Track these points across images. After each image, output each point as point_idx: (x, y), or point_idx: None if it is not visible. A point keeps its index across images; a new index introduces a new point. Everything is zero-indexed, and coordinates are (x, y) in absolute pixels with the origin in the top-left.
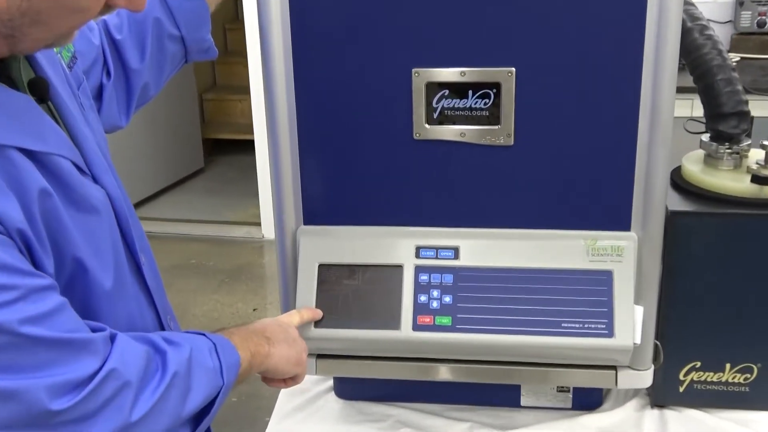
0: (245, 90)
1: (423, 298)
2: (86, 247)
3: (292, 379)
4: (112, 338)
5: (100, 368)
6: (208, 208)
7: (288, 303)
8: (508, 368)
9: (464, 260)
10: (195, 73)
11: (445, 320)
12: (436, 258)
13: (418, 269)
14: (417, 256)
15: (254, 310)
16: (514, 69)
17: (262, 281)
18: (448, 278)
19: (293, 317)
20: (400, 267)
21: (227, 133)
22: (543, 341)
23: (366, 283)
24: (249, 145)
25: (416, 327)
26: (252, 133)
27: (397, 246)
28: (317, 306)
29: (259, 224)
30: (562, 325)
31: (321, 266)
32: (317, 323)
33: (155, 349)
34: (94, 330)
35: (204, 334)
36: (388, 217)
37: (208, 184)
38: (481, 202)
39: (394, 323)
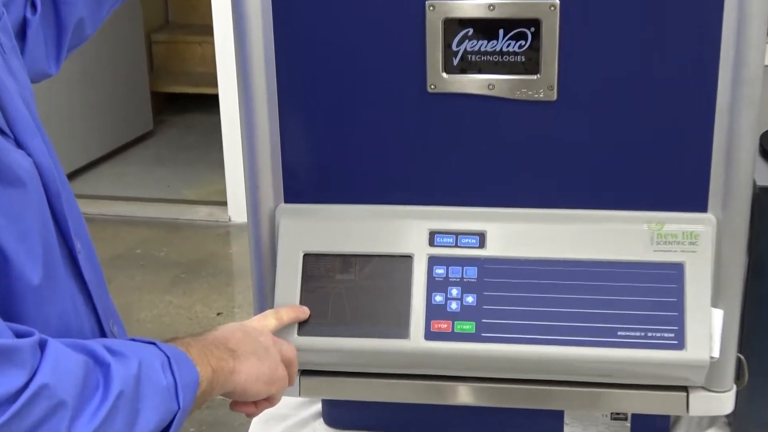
0: (207, 30)
1: (439, 297)
2: (8, 229)
3: (266, 401)
4: (42, 346)
5: (28, 383)
6: (159, 183)
7: (263, 305)
8: (548, 389)
9: (492, 249)
10: (142, 8)
11: (467, 326)
12: (456, 246)
13: (433, 261)
14: (431, 243)
15: (218, 314)
16: (557, 1)
17: (229, 277)
18: (471, 272)
19: (267, 320)
20: (408, 258)
21: (183, 86)
22: (593, 354)
23: (365, 278)
24: (211, 102)
25: (429, 335)
26: (215, 85)
27: (405, 230)
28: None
29: (224, 204)
30: (618, 333)
31: (307, 257)
32: (301, 329)
33: (96, 361)
34: (19, 335)
35: (155, 344)
36: (394, 194)
37: (159, 151)
38: (513, 173)
39: (401, 330)
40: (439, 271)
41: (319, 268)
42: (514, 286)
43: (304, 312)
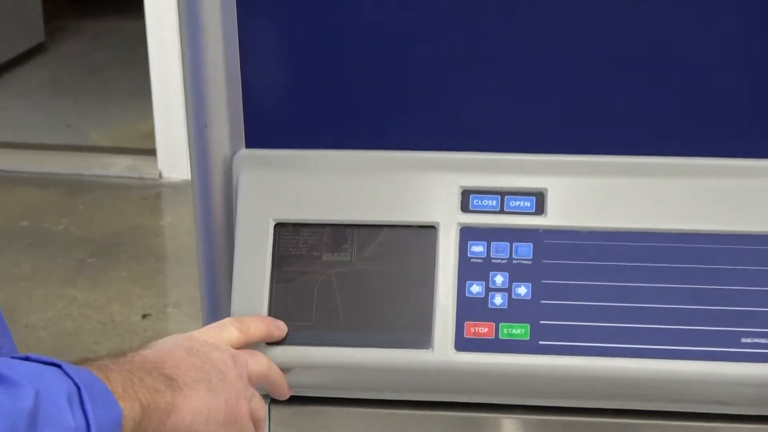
0: None
1: (476, 288)
2: None
3: None
4: None
5: None
6: (54, 121)
7: (215, 304)
8: (640, 422)
9: (555, 216)
10: None
11: (518, 330)
12: (501, 212)
13: (467, 234)
14: (464, 208)
15: (144, 317)
16: None
17: (161, 262)
18: (524, 250)
19: (226, 331)
20: (431, 229)
21: None
22: (706, 371)
23: (366, 260)
24: (131, 4)
25: (462, 344)
26: None
27: (425, 188)
28: (273, 307)
29: (152, 152)
30: (742, 341)
31: (280, 228)
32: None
33: None
34: None
35: (60, 367)
36: (407, 133)
37: (55, 74)
38: (585, 100)
39: (421, 337)
40: (477, 248)
41: (298, 246)
42: (587, 272)
43: (280, 329)
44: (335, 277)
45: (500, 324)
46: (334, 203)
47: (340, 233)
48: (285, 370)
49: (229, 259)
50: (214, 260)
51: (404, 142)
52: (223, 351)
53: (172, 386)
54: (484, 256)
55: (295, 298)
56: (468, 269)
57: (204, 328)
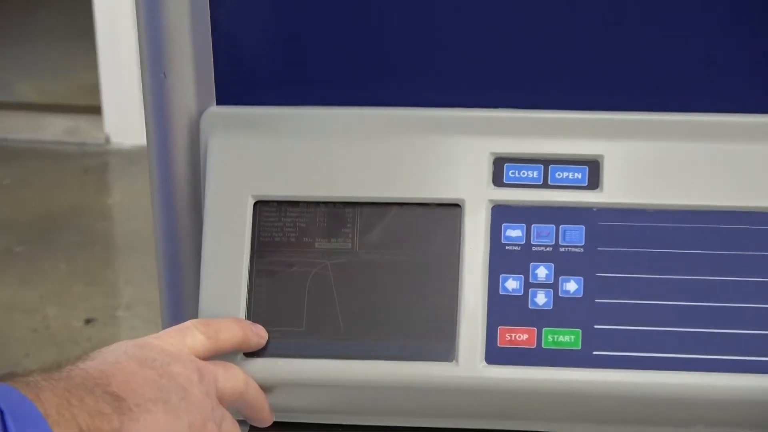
0: None
1: (512, 283)
2: None
3: None
4: None
5: None
6: None
7: (177, 305)
8: None
9: (612, 192)
10: None
11: (566, 338)
12: (545, 186)
13: (501, 213)
14: (497, 180)
15: (88, 322)
16: None
17: (109, 252)
18: (574, 235)
19: (191, 336)
20: (454, 208)
21: None
22: None
23: (371, 248)
24: None
25: (494, 355)
26: None
27: (446, 155)
28: (253, 308)
29: (97, 111)
30: None
31: (261, 207)
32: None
33: None
34: None
35: None
36: (420, 85)
37: None
38: (653, 43)
39: (442, 347)
40: (514, 232)
41: (284, 230)
42: (656, 262)
43: (259, 336)
44: (332, 270)
45: (543, 329)
46: (330, 175)
47: (337, 214)
48: (267, 388)
49: (196, 248)
50: (177, 249)
51: (418, 97)
52: (186, 362)
53: (120, 408)
54: (523, 242)
55: (280, 296)
56: (502, 259)
57: (162, 332)
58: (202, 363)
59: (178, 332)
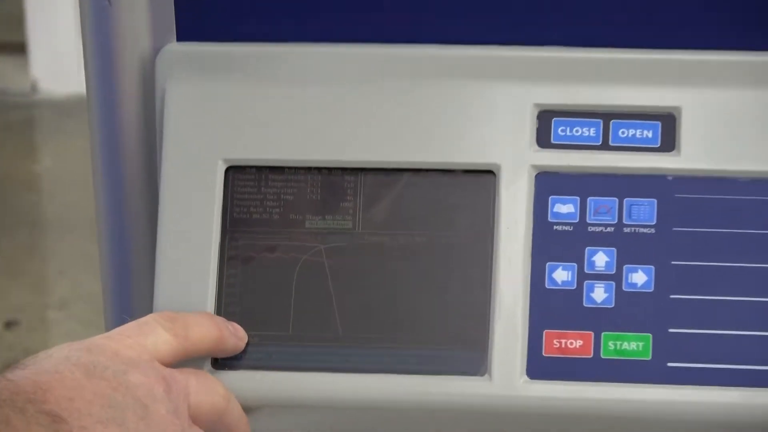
0: None
1: (562, 274)
2: None
3: None
4: None
5: None
6: None
7: (125, 301)
8: None
9: (692, 155)
10: None
11: (633, 345)
12: (604, 148)
13: (547, 184)
14: (542, 140)
15: (9, 325)
16: None
17: (37, 232)
18: (643, 212)
19: (152, 336)
20: (486, 176)
21: None
22: None
23: (377, 228)
24: None
25: (539, 367)
26: None
27: (474, 107)
28: (225, 305)
29: (21, 48)
30: None
31: (234, 174)
32: (224, 360)
33: None
34: None
35: None
36: (441, 15)
37: None
38: None
39: (469, 356)
40: (564, 208)
41: (264, 204)
42: (749, 246)
43: (237, 337)
44: (327, 257)
45: (603, 334)
46: (325, 133)
47: (334, 184)
48: (247, 409)
49: (150, 227)
50: (125, 229)
51: (436, 30)
52: (147, 370)
53: (59, 431)
54: (576, 220)
55: (259, 291)
56: (549, 243)
57: (115, 331)
58: (168, 371)
59: (137, 330)
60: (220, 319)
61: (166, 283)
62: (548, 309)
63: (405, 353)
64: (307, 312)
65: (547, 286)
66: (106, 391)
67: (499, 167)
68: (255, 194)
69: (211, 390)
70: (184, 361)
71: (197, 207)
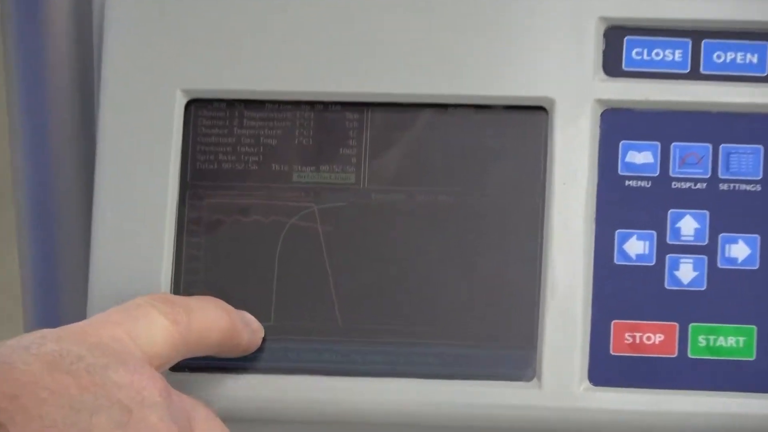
0: None
1: (637, 245)
2: None
3: None
4: None
5: None
6: None
7: (49, 284)
8: None
9: None
10: None
11: (732, 340)
12: (694, 76)
13: (617, 122)
14: (610, 67)
15: None
16: None
17: None
18: (746, 163)
19: (145, 323)
20: (536, 113)
21: None
22: None
23: (388, 184)
24: None
25: (605, 370)
26: None
27: (518, 21)
28: (183, 289)
29: None
30: None
31: (196, 109)
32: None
33: None
34: None
35: None
36: None
37: None
38: None
39: (514, 356)
40: (640, 156)
41: (237, 150)
42: None
43: (252, 330)
44: (322, 222)
45: (690, 326)
46: (318, 55)
47: (331, 123)
48: (229, 421)
49: (85, 184)
50: (50, 187)
51: None
52: (137, 366)
53: None
54: (656, 173)
55: (231, 267)
56: (619, 203)
57: (97, 316)
58: (164, 384)
59: (126, 314)
60: (229, 306)
61: (105, 260)
62: (618, 292)
63: (425, 352)
64: (295, 296)
65: (616, 261)
66: (71, 390)
67: (552, 102)
68: (225, 137)
69: (216, 427)
70: (188, 357)
71: (147, 155)
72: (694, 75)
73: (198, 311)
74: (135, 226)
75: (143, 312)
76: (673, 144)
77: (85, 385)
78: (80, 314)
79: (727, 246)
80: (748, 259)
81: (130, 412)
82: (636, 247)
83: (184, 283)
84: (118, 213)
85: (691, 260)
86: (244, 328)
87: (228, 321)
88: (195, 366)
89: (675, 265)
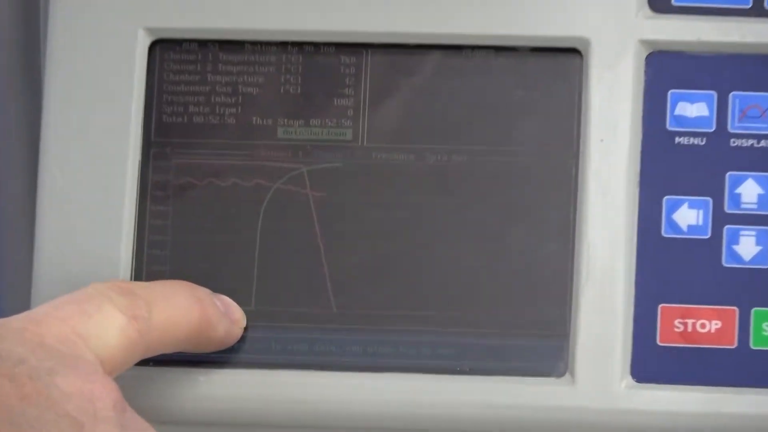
0: None
1: (689, 215)
2: None
3: None
4: None
5: None
6: None
7: None
8: None
9: None
10: None
11: None
12: (757, 12)
13: (665, 68)
14: (657, 1)
15: None
16: None
17: None
18: None
19: (98, 319)
20: (568, 57)
21: None
22: None
23: (390, 141)
24: None
25: (651, 364)
26: None
27: None
28: (146, 268)
29: None
30: None
31: (162, 50)
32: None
33: None
34: None
35: None
36: None
37: None
38: None
39: (542, 347)
40: (692, 108)
41: (211, 101)
42: None
43: (230, 317)
44: (312, 186)
45: (753, 311)
46: None
47: (324, 69)
48: (202, 426)
49: (28, 141)
50: None
51: None
52: (87, 372)
53: None
54: (711, 128)
55: (203, 240)
56: (667, 164)
57: (41, 308)
58: (120, 395)
59: (75, 307)
60: (203, 291)
61: (51, 235)
62: (666, 271)
63: (437, 342)
64: (281, 275)
65: (664, 233)
66: (11, 400)
67: (587, 43)
68: (197, 85)
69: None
70: (150, 355)
71: (103, 107)
72: (758, 11)
73: (162, 302)
74: (88, 192)
75: (96, 305)
76: (732, 94)
77: (27, 394)
78: (23, 303)
79: None
80: None
81: (80, 427)
82: (688, 216)
83: (148, 260)
84: (67, 177)
85: (753, 232)
86: (220, 319)
87: (199, 312)
88: (159, 359)
89: (734, 239)
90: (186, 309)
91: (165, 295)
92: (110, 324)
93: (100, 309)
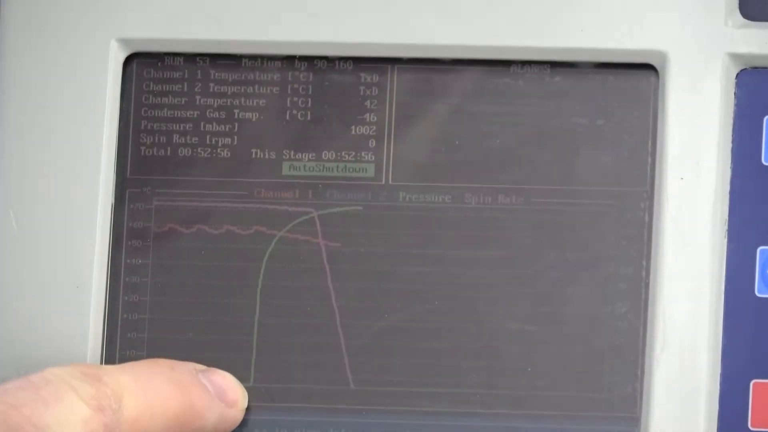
0: None
1: None
2: None
3: None
4: None
5: None
6: None
7: None
8: None
9: None
10: None
11: None
12: None
13: (758, 85)
14: (749, 8)
15: None
16: None
17: None
18: None
19: (58, 408)
20: (642, 74)
21: None
22: None
23: (416, 180)
24: None
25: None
26: None
27: None
28: (120, 336)
29: None
30: None
31: (140, 67)
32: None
33: None
34: None
35: None
36: None
37: None
38: None
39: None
40: None
41: (200, 128)
42: None
43: (228, 400)
44: (324, 235)
45: None
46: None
47: (340, 90)
48: None
49: None
50: None
51: None
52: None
53: None
54: None
55: (190, 301)
56: (763, 205)
57: None
58: None
59: (32, 395)
60: (187, 371)
61: (3, 297)
62: (760, 339)
63: (480, 427)
64: (287, 345)
65: (757, 293)
66: None
67: (664, 58)
68: (182, 109)
69: None
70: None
71: (68, 137)
72: None
73: (135, 389)
74: (48, 245)
75: (54, 393)
76: None
77: None
78: None
79: None
80: None
81: None
82: None
83: (122, 327)
84: (23, 226)
85: None
86: (209, 405)
87: (181, 400)
88: None
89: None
90: (164, 397)
91: (138, 380)
92: (71, 417)
93: (60, 398)
